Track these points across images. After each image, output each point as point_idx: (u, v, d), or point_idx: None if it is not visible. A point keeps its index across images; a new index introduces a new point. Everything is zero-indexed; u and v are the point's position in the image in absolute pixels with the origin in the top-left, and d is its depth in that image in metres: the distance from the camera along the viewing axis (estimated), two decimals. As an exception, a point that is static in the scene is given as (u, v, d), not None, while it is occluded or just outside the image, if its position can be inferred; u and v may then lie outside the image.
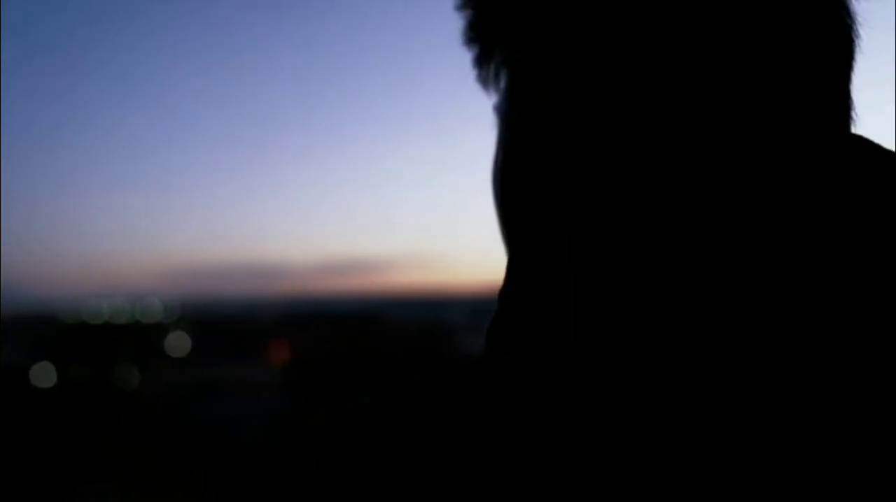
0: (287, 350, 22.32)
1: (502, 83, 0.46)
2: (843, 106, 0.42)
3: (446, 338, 22.65)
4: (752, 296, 0.36)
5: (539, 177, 0.43)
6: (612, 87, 0.40)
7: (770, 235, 0.37)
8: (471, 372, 0.39)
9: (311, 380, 18.45)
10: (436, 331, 23.60)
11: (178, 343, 24.67)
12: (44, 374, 19.53)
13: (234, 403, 17.45)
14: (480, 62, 0.46)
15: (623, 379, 0.36)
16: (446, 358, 18.47)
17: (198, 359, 22.37)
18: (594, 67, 0.41)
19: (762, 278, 0.37)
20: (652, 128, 0.39)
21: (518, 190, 0.45)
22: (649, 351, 0.36)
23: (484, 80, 0.47)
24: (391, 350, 19.81)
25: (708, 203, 0.38)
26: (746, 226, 0.38)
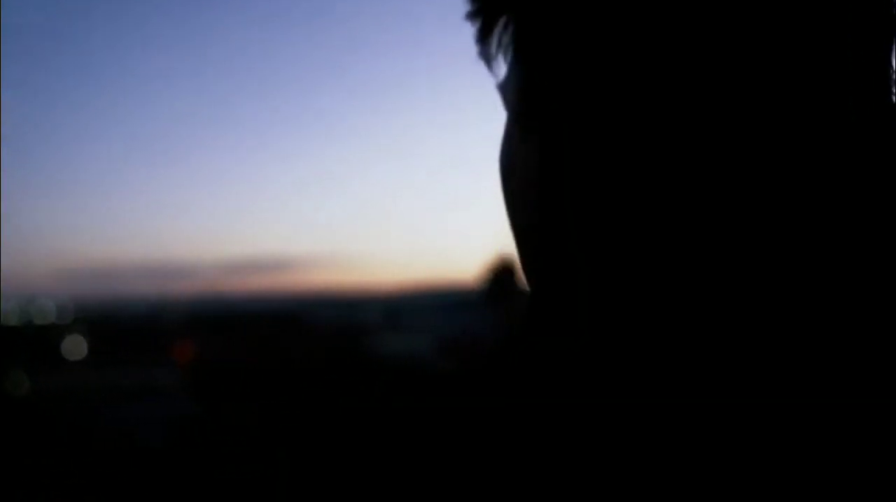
0: (194, 351, 21.84)
1: (508, 60, 0.45)
2: (883, 77, 0.41)
3: (361, 337, 22.49)
4: (772, 288, 0.36)
5: (548, 170, 0.42)
6: (632, 62, 0.38)
7: (799, 223, 0.37)
8: (485, 368, 0.40)
9: (219, 383, 18.12)
10: (350, 331, 23.40)
11: (75, 346, 23.81)
12: (-74, 380, 18.56)
13: (137, 407, 16.99)
14: (484, 35, 0.45)
15: (630, 378, 0.36)
16: (361, 358, 18.37)
17: (97, 362, 21.64)
18: (611, 41, 0.38)
19: (785, 269, 0.36)
20: (673, 111, 0.37)
21: (525, 183, 0.44)
22: (660, 348, 0.36)
23: (487, 58, 0.46)
24: (304, 350, 19.61)
25: (734, 187, 0.37)
26: (774, 212, 0.37)
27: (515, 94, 0.44)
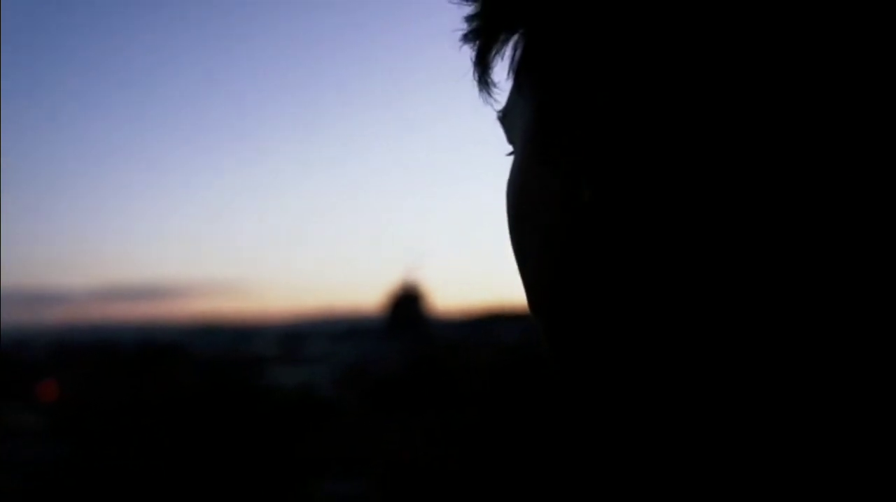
0: (60, 387, 20.82)
1: (511, 85, 0.41)
2: None
3: (252, 369, 21.96)
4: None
5: (580, 211, 0.37)
6: (672, 82, 0.34)
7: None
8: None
9: (90, 421, 17.26)
10: (240, 363, 22.83)
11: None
12: None
13: (-7, 451, 16.00)
14: (485, 57, 0.41)
15: (633, 379, 0.35)
16: (252, 392, 17.89)
17: (-53, 399, 20.36)
18: (644, 55, 0.34)
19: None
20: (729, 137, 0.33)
21: (548, 223, 0.39)
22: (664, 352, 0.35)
23: (487, 83, 0.41)
24: (188, 384, 18.94)
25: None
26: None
27: (528, 122, 0.40)
